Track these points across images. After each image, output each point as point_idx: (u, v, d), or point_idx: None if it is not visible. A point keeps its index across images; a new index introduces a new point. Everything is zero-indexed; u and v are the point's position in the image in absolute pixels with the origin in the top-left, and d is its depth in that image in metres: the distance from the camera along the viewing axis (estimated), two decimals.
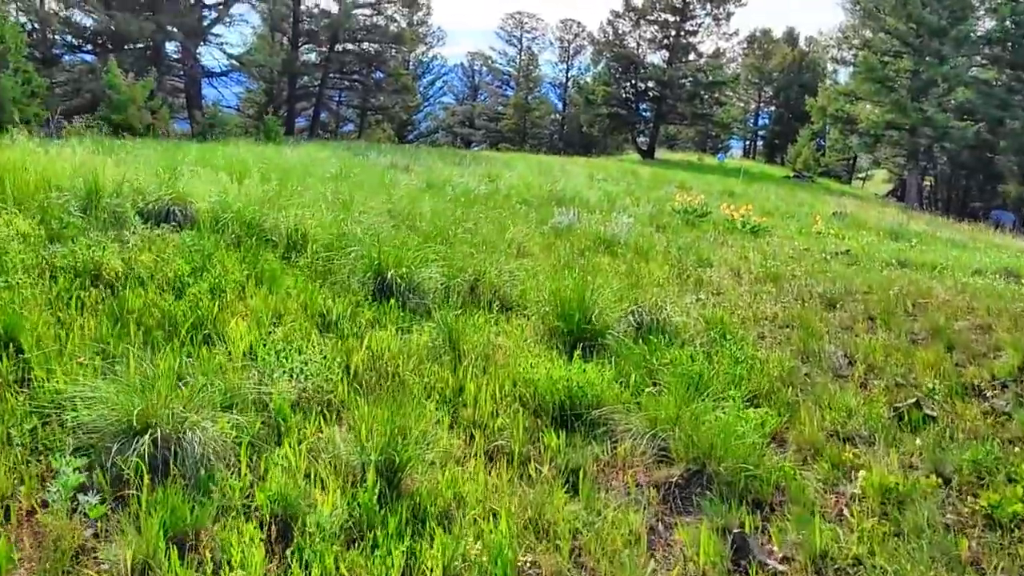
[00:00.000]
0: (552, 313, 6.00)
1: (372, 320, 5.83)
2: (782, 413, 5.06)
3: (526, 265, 8.45)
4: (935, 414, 5.23)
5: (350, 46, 49.37)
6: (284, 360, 4.66)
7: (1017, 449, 4.57)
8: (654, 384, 5.04)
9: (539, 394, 4.75)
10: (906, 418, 5.15)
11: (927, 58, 33.22)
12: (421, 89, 72.09)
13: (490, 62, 78.89)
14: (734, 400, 4.80)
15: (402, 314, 6.01)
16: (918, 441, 4.80)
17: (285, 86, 47.17)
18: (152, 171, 9.69)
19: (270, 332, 5.25)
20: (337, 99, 60.51)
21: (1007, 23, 35.04)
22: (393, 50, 52.94)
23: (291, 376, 4.54)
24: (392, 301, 6.12)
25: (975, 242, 17.91)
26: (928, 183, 48.46)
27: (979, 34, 37.48)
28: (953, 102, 35.85)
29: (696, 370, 5.09)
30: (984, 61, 38.43)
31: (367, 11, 49.43)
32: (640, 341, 5.78)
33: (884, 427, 5.04)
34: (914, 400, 5.33)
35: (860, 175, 70.99)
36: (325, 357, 4.86)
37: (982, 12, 36.69)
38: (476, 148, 69.20)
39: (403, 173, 17.83)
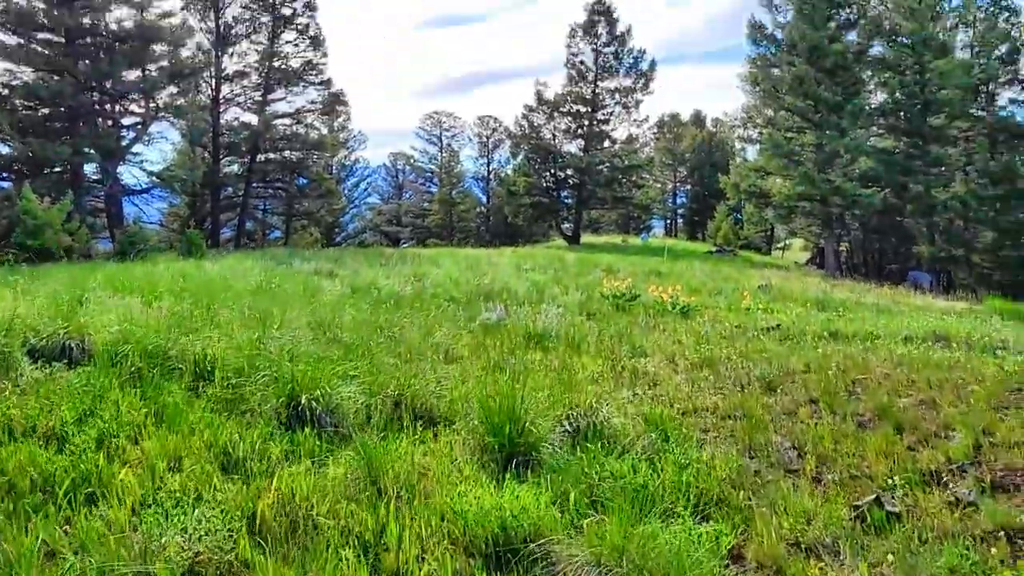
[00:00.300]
0: (482, 427, 5.54)
1: (283, 454, 5.28)
2: (737, 524, 4.66)
3: (455, 371, 8.04)
4: (897, 510, 4.90)
5: (272, 155, 49.35)
6: (176, 518, 4.07)
7: (994, 550, 4.25)
8: (595, 504, 4.59)
9: (470, 529, 4.24)
10: (868, 518, 4.80)
11: (828, 132, 34.86)
12: (346, 192, 72.67)
13: (412, 161, 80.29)
14: (683, 517, 4.38)
15: (318, 444, 5.47)
16: (885, 546, 4.46)
17: (208, 198, 46.66)
18: (53, 301, 9.07)
19: (165, 481, 4.67)
20: (262, 207, 60.19)
21: (897, 95, 37.33)
22: (315, 156, 53.23)
23: (185, 536, 3.94)
24: (307, 429, 5.59)
25: (898, 305, 18.30)
26: (844, 248, 50.26)
27: (873, 106, 39.71)
28: (858, 171, 37.57)
29: (640, 482, 4.70)
30: (881, 131, 40.64)
31: (287, 121, 49.66)
32: (578, 450, 5.37)
33: (847, 532, 4.67)
34: (873, 496, 5.00)
35: (779, 245, 73.40)
36: (225, 507, 4.28)
37: (872, 86, 39.04)
38: (405, 245, 69.46)
39: (327, 279, 17.39)
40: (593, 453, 5.22)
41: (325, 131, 56.57)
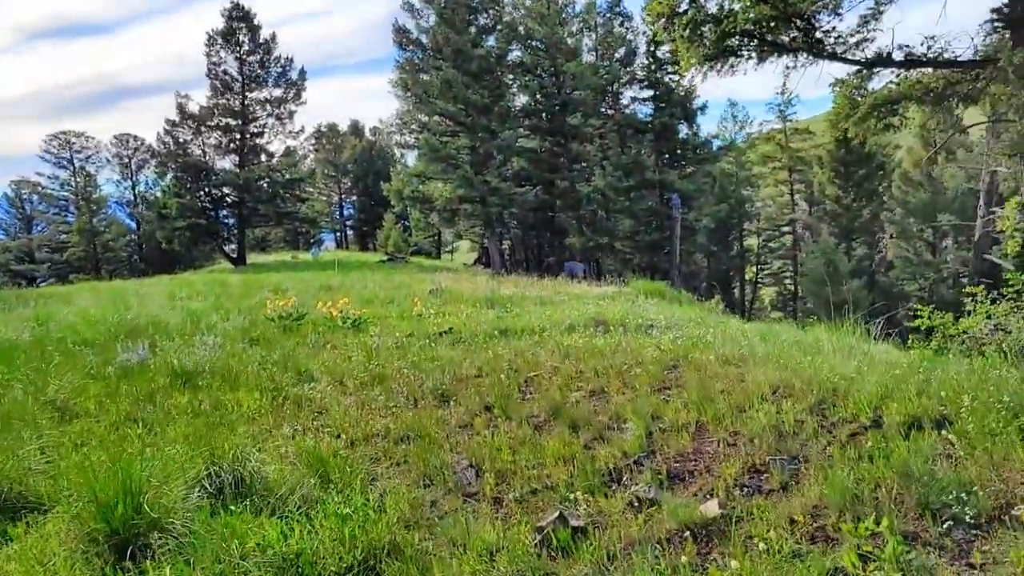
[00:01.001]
0: (88, 509, 4.29)
1: None
2: None
3: (74, 431, 6.53)
4: (583, 523, 4.56)
5: None
6: None
7: (683, 557, 4.03)
8: None
9: None
10: (554, 539, 4.39)
11: (479, 134, 36.55)
12: None
13: (40, 188, 70.31)
14: None
15: None
16: (575, 570, 4.07)
17: None
18: None
19: None
20: None
21: (537, 96, 40.36)
22: None
23: None
24: None
25: (559, 295, 19.35)
26: (507, 246, 53.45)
27: (518, 108, 42.56)
28: (510, 171, 40.04)
29: (293, 549, 3.89)
30: (527, 132, 43.76)
31: None
32: (221, 513, 4.39)
33: (533, 563, 4.21)
34: (556, 514, 4.60)
35: (447, 248, 76.31)
36: None
37: (515, 89, 41.85)
38: (42, 284, 60.51)
39: None
40: (238, 517, 4.27)
41: None
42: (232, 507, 4.39)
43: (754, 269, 59.16)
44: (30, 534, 4.41)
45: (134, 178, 71.48)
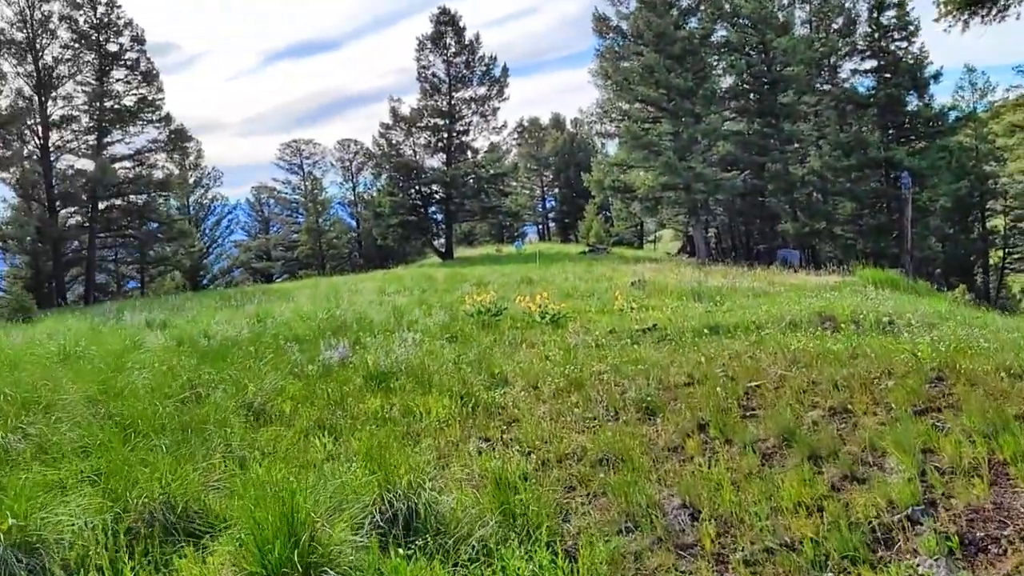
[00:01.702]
0: (249, 545, 3.89)
1: None
2: None
3: (264, 438, 6.39)
4: None
5: (117, 201, 45.89)
6: None
7: None
8: None
9: None
10: None
11: (683, 119, 34.93)
12: (207, 231, 69.12)
13: (275, 193, 77.09)
14: None
15: None
16: None
17: (50, 254, 42.56)
18: None
19: None
20: (112, 258, 56.10)
21: (745, 75, 37.96)
22: (162, 197, 49.92)
23: None
24: None
25: (773, 286, 17.75)
26: (712, 234, 51.08)
27: (724, 89, 40.32)
28: (716, 156, 37.97)
29: None
30: (733, 115, 41.35)
31: (127, 163, 46.33)
32: (390, 555, 3.83)
33: None
34: None
35: (650, 238, 74.57)
36: None
37: (720, 70, 39.63)
38: (277, 280, 66.30)
39: (156, 331, 15.23)
40: (404, 564, 3.67)
41: (173, 170, 53.29)
42: (400, 548, 3.83)
43: (1000, 253, 52.08)
44: (194, 565, 4.07)
45: (354, 180, 76.18)
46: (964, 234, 48.55)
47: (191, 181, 65.52)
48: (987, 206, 49.79)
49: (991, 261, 51.55)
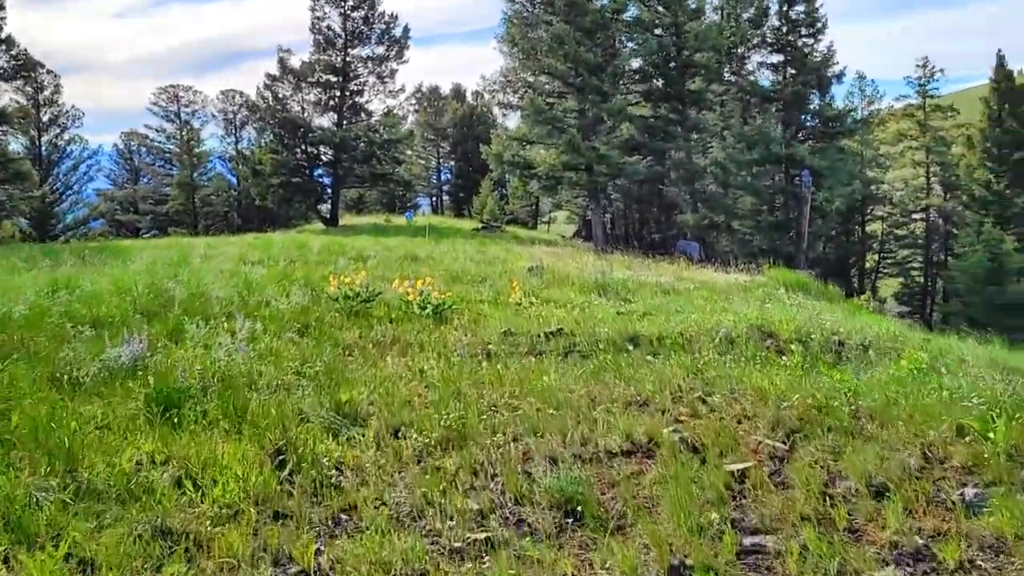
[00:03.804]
0: None
1: None
2: None
3: None
4: None
5: None
6: None
7: None
8: None
9: None
10: None
11: (590, 96, 32.88)
12: (60, 176, 62.34)
13: (148, 141, 70.81)
14: None
15: None
16: None
17: None
18: None
19: None
20: None
21: (655, 58, 36.25)
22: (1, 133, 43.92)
23: None
24: None
25: (682, 282, 15.90)
26: (607, 219, 49.64)
27: (633, 70, 38.56)
28: (618, 138, 36.16)
29: None
30: (638, 99, 39.69)
31: None
32: None
33: None
34: None
35: (544, 219, 73.08)
36: None
37: (629, 49, 37.79)
38: (146, 235, 60.77)
39: None
40: None
41: (20, 101, 47.18)
42: None
43: (875, 258, 53.37)
44: None
45: (237, 134, 71.10)
46: (845, 237, 49.32)
47: (45, 119, 58.82)
48: (867, 211, 50.87)
49: (867, 265, 52.80)
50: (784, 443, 5.14)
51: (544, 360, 7.51)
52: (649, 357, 7.41)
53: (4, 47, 39.41)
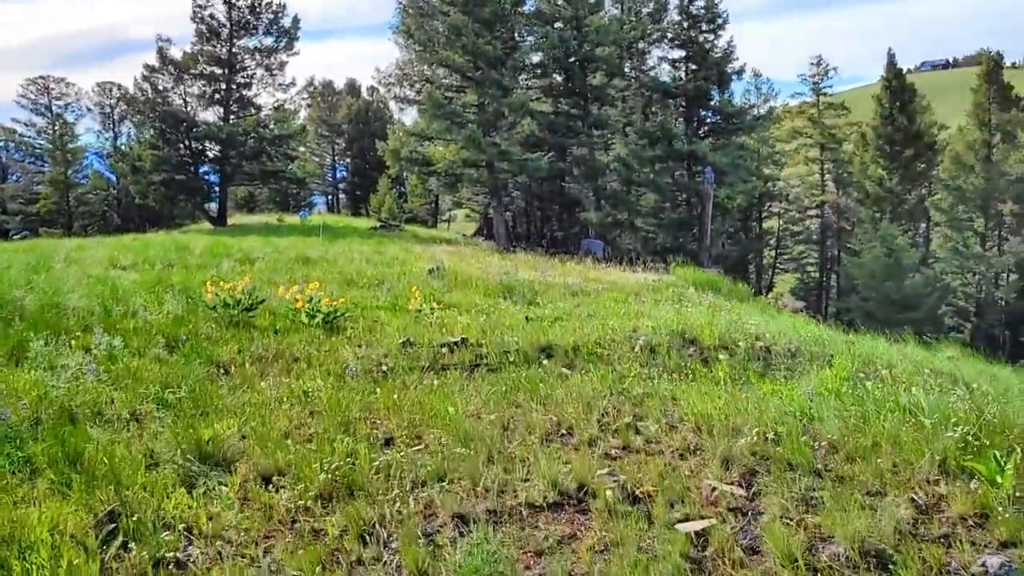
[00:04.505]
0: None
1: None
2: None
3: None
4: None
5: None
6: None
7: None
8: None
9: None
10: None
11: (490, 90, 32.04)
12: None
13: (16, 136, 65.80)
14: None
15: None
16: None
17: None
18: None
19: None
20: None
21: (556, 52, 35.69)
22: None
23: None
24: None
25: (589, 282, 15.30)
26: (508, 216, 49.05)
27: (533, 63, 37.89)
28: (519, 134, 35.47)
29: None
30: (539, 94, 39.12)
31: None
32: None
33: None
34: None
35: (444, 217, 72.08)
36: None
37: (529, 43, 37.10)
38: (15, 236, 56.38)
39: None
40: None
41: None
42: None
43: (772, 254, 54.91)
44: None
45: (116, 129, 67.13)
46: (744, 233, 50.42)
47: None
48: (764, 207, 52.19)
49: (764, 261, 54.26)
50: (743, 488, 4.38)
51: (448, 376, 6.65)
52: (565, 370, 6.67)
53: None
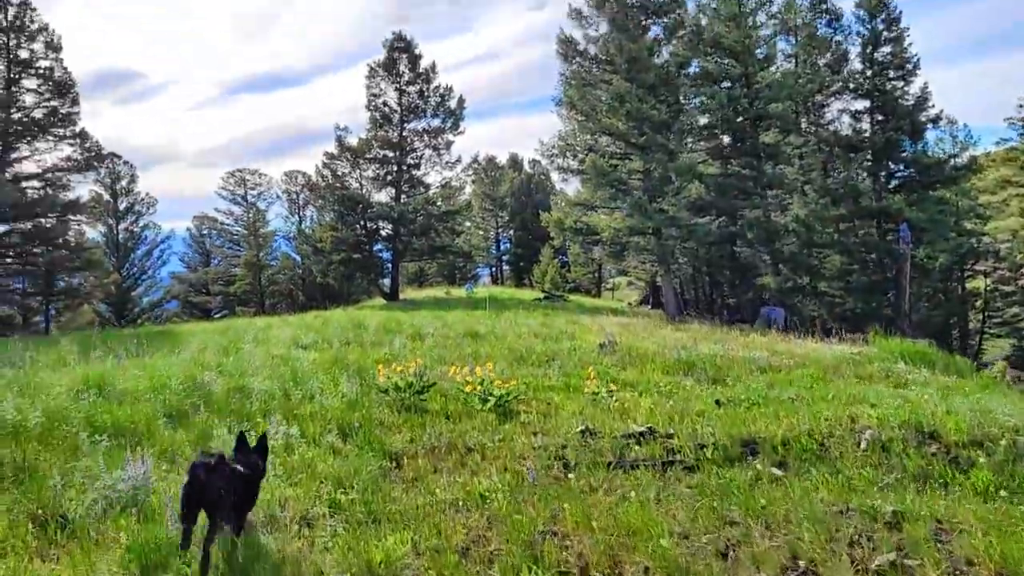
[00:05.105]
0: None
1: None
2: None
3: None
4: None
5: (23, 224, 40.99)
6: None
7: None
8: None
9: None
10: None
11: (655, 155, 31.42)
12: (137, 261, 64.19)
13: (217, 224, 72.66)
14: None
15: None
16: None
17: None
18: None
19: None
20: (20, 287, 50.53)
21: (725, 111, 34.54)
22: (76, 223, 44.92)
23: None
24: None
25: (778, 356, 14.01)
26: (676, 284, 47.57)
27: (701, 125, 36.88)
28: (686, 199, 34.42)
29: None
30: (706, 157, 37.97)
31: (36, 183, 41.44)
32: None
33: None
34: None
35: (608, 286, 71.51)
36: None
37: (695, 105, 36.19)
38: (216, 316, 61.62)
39: None
40: None
41: (100, 192, 48.30)
42: None
43: (979, 317, 49.15)
44: None
45: (300, 213, 72.49)
46: (945, 296, 45.82)
47: (122, 207, 60.96)
48: (966, 266, 47.24)
49: (970, 326, 48.83)
50: None
51: (638, 477, 5.90)
52: (776, 470, 5.74)
53: (79, 140, 40.57)
